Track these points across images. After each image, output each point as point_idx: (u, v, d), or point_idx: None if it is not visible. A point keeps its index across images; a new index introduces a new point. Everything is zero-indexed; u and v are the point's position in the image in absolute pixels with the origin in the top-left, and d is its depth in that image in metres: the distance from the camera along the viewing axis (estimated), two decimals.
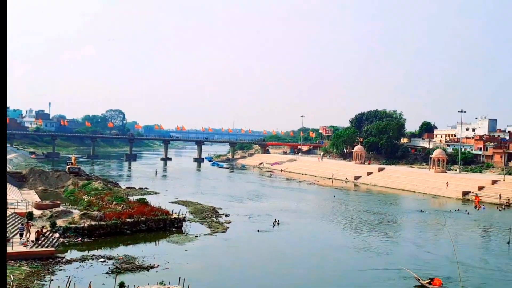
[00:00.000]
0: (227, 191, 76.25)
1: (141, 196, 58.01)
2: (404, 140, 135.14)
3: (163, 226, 44.14)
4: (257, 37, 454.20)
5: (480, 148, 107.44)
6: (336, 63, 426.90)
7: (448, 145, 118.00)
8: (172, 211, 48.13)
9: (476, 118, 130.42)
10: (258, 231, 45.27)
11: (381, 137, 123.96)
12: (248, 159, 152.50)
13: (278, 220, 50.18)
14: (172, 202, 59.88)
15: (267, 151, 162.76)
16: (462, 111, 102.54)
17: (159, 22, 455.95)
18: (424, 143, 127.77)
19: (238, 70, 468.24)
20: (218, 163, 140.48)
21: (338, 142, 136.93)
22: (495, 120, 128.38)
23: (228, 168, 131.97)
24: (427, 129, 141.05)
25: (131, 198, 56.51)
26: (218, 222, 48.82)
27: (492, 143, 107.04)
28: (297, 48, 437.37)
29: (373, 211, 60.98)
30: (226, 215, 53.20)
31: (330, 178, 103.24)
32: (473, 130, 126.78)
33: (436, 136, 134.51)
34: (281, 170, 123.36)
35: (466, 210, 62.44)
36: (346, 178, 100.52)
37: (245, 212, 56.29)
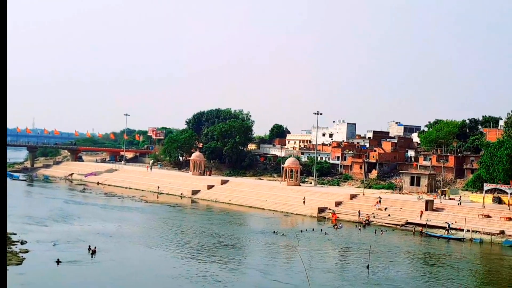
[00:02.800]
0: (24, 211, 72.14)
1: None
2: (252, 147, 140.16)
3: None
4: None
5: (338, 157, 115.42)
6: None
7: (303, 153, 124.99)
8: None
9: (334, 121, 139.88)
10: (59, 262, 43.27)
11: (225, 142, 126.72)
12: (53, 169, 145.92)
13: (95, 247, 48.61)
14: None
15: (79, 159, 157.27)
16: (318, 113, 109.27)
17: None
18: (275, 150, 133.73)
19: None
20: (12, 173, 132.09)
21: (172, 148, 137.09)
22: (354, 124, 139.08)
23: (25, 180, 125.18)
24: (279, 133, 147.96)
25: None
26: (10, 252, 45.81)
27: (351, 151, 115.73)
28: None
29: (214, 233, 62.08)
30: (22, 243, 50.69)
31: (159, 193, 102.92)
32: (331, 135, 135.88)
33: (289, 142, 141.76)
34: (98, 183, 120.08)
35: (322, 230, 66.52)
36: (181, 193, 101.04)
37: (49, 237, 53.96)
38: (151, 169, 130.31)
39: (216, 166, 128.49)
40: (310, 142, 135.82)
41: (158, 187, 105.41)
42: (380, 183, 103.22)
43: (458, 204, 75.65)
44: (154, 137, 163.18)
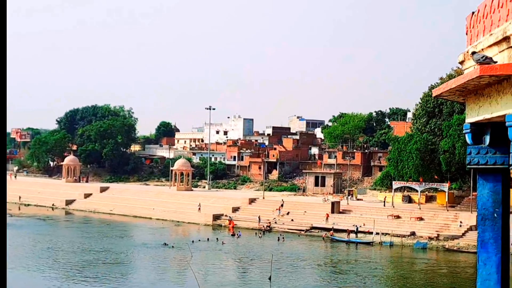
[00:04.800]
0: None
1: None
2: (136, 148, 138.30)
3: None
4: None
5: (234, 157, 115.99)
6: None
7: (194, 154, 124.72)
8: None
9: (229, 117, 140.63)
10: None
11: (104, 144, 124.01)
12: None
13: None
14: None
15: None
16: (210, 108, 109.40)
17: None
18: (163, 151, 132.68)
19: None
20: None
21: (41, 152, 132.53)
22: (252, 120, 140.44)
23: None
24: (167, 132, 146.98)
25: None
26: None
27: (249, 150, 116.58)
28: None
29: (93, 248, 60.66)
30: None
31: (25, 204, 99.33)
32: (225, 133, 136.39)
33: (178, 141, 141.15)
34: None
35: (218, 239, 66.54)
36: (53, 204, 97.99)
37: None
38: (15, 177, 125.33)
39: (94, 172, 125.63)
40: (202, 141, 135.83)
41: (20, 197, 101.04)
42: (281, 184, 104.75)
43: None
44: (19, 140, 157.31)
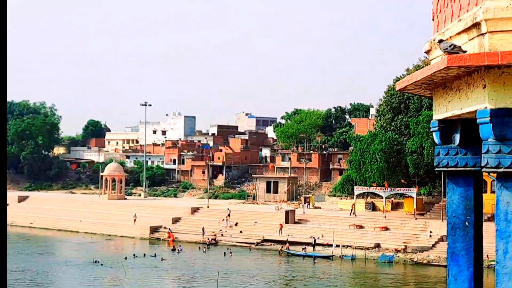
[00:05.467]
0: None
1: None
2: (60, 150, 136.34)
3: None
4: None
5: (174, 160, 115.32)
6: None
7: (128, 157, 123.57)
8: None
9: (167, 114, 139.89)
10: None
11: (22, 146, 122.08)
12: None
13: None
14: None
15: None
16: (146, 104, 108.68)
17: None
18: (91, 155, 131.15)
19: None
20: None
21: None
22: (194, 118, 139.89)
23: None
24: (96, 132, 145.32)
25: None
26: None
27: (191, 153, 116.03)
28: None
29: (9, 267, 59.49)
30: None
31: None
32: (164, 132, 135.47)
33: (109, 142, 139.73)
34: None
35: (156, 254, 66.12)
36: None
37: None
38: None
39: (11, 178, 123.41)
40: (137, 142, 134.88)
41: None
42: (228, 191, 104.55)
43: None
44: None
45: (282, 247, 69.49)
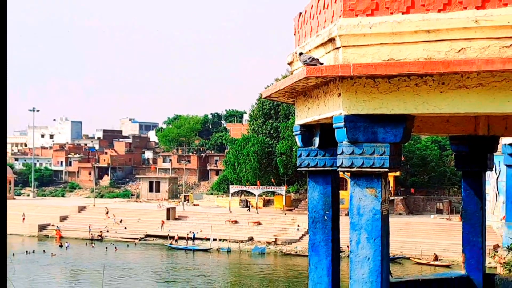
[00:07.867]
0: None
1: None
2: None
3: None
4: None
5: (62, 162, 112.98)
6: None
7: (17, 159, 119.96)
8: None
9: (55, 119, 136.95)
10: None
11: None
12: None
13: None
14: None
15: None
16: (34, 110, 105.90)
17: None
18: None
19: None
20: None
21: None
22: (80, 123, 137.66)
23: None
24: None
25: None
26: None
27: (78, 155, 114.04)
28: None
29: None
30: None
31: None
32: (51, 136, 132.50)
33: None
34: None
35: (44, 251, 64.51)
36: None
37: None
38: None
39: None
40: (26, 145, 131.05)
41: None
42: (113, 191, 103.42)
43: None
44: None
45: (171, 241, 69.31)
